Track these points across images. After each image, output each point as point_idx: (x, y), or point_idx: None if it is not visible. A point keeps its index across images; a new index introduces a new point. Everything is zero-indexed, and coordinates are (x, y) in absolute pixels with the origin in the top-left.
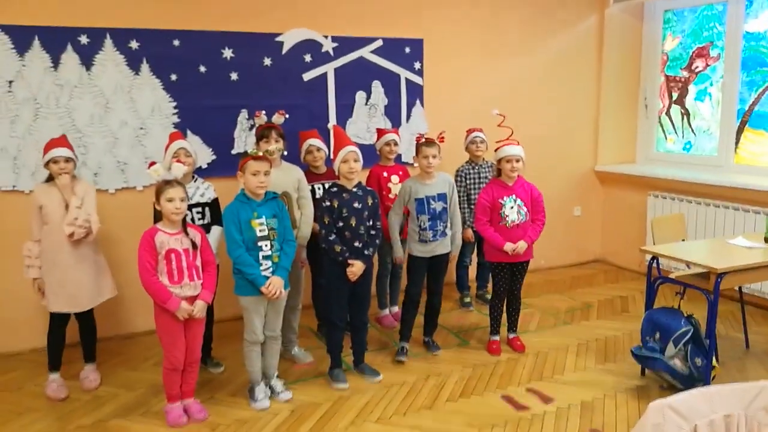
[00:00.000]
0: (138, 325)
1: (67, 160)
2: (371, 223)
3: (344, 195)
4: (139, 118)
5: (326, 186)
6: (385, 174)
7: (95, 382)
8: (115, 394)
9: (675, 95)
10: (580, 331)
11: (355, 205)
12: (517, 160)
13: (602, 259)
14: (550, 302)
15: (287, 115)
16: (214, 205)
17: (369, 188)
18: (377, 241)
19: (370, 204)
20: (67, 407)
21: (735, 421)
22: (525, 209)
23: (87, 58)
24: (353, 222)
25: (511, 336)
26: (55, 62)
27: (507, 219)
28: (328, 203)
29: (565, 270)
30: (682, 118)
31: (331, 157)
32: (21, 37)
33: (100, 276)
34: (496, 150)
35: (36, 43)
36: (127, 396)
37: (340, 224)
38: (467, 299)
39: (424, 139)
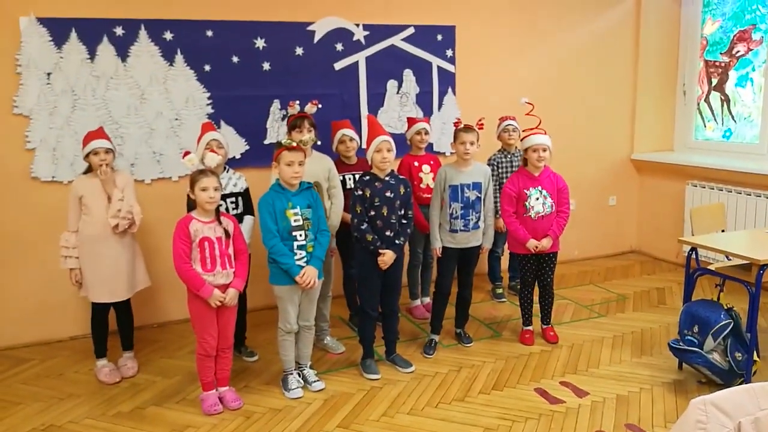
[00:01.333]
0: (173, 313)
1: (107, 151)
2: (403, 212)
3: (376, 184)
4: (174, 109)
5: (357, 176)
6: (416, 164)
7: (133, 369)
8: (152, 381)
9: (714, 81)
10: (615, 323)
11: (387, 194)
12: (544, 150)
13: (638, 249)
14: (584, 294)
15: (320, 105)
16: (245, 195)
17: (402, 177)
18: (408, 231)
19: (402, 193)
20: (106, 394)
21: None
22: (551, 201)
23: (122, 50)
24: (385, 211)
25: (544, 327)
26: (92, 54)
27: (532, 210)
28: (360, 192)
29: (599, 261)
30: (722, 105)
31: (364, 146)
32: (59, 30)
33: (137, 266)
34: (522, 139)
35: (73, 35)
36: (164, 383)
37: (372, 213)
38: (499, 290)
39: (462, 125)
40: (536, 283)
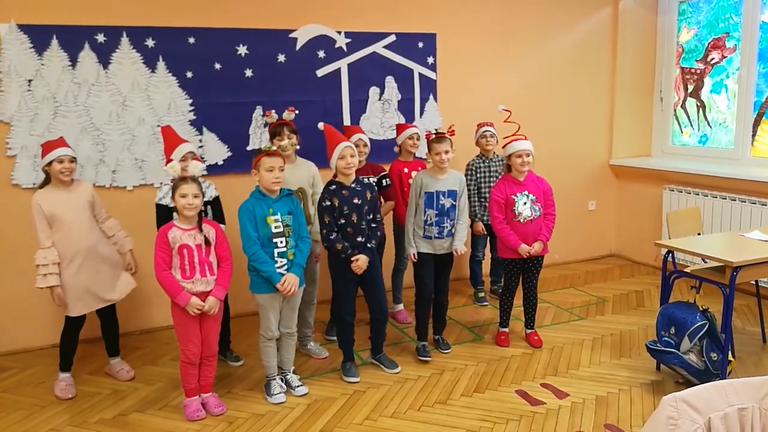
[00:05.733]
0: (156, 320)
1: (72, 159)
2: (371, 216)
3: (343, 192)
4: (156, 116)
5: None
6: (406, 170)
7: (131, 373)
8: (135, 388)
9: (690, 87)
10: (594, 325)
11: (355, 200)
12: (527, 155)
13: (617, 253)
14: (564, 297)
15: (297, 111)
16: (215, 203)
17: (367, 182)
18: (378, 233)
19: (369, 198)
20: (89, 401)
21: (749, 415)
22: (538, 205)
23: (104, 57)
24: (354, 218)
25: (528, 331)
26: (73, 61)
27: (520, 215)
28: (328, 203)
29: (579, 265)
30: (698, 111)
31: (327, 155)
32: (40, 37)
33: (118, 271)
34: (504, 146)
35: (54, 42)
36: (147, 390)
37: (342, 221)
38: (481, 294)
39: (434, 135)
40: (520, 287)
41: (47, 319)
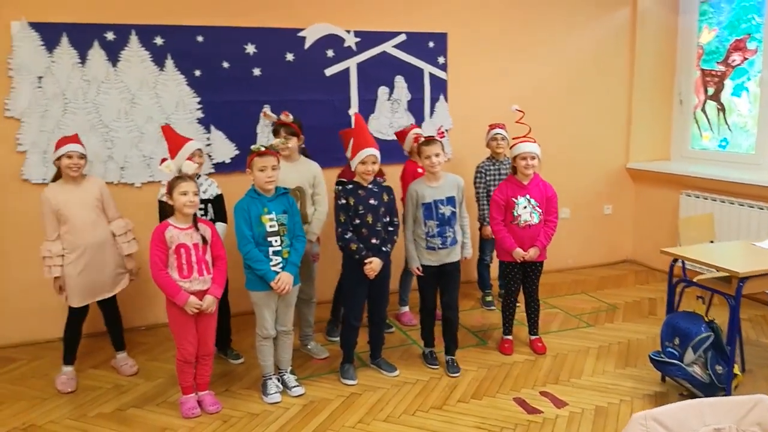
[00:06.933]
0: (162, 316)
1: (81, 156)
2: (388, 219)
3: (360, 192)
4: (164, 114)
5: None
6: (420, 170)
7: (135, 368)
8: (135, 383)
9: (711, 90)
10: (602, 333)
11: (371, 201)
12: (532, 158)
13: (633, 259)
14: (574, 303)
15: (291, 116)
16: (217, 201)
17: (385, 185)
18: (395, 238)
19: (386, 200)
20: (89, 395)
21: None
22: (539, 210)
23: (113, 55)
24: (370, 219)
25: (532, 338)
26: (83, 58)
27: (519, 219)
28: (343, 201)
29: (593, 270)
30: (718, 114)
31: (349, 155)
32: (50, 35)
33: (120, 270)
34: (511, 147)
35: (64, 39)
36: (146, 386)
37: (357, 221)
38: (489, 298)
39: (423, 138)
40: (522, 293)
41: (57, 312)
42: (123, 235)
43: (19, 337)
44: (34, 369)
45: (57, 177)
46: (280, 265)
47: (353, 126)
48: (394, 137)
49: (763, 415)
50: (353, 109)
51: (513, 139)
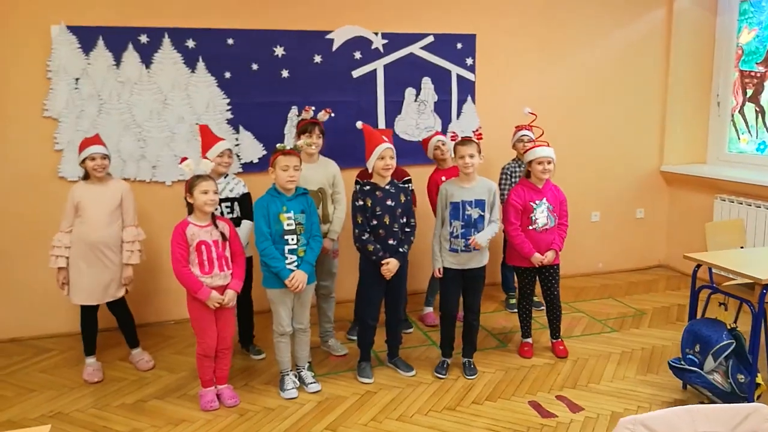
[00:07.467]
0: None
1: (104, 156)
2: (405, 220)
3: (377, 193)
4: (195, 114)
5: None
6: (444, 178)
7: (150, 363)
8: (159, 376)
9: (750, 92)
10: (626, 338)
11: (388, 202)
12: (549, 162)
13: (666, 264)
14: (600, 307)
15: (332, 114)
16: (243, 200)
17: (402, 185)
18: (412, 239)
19: (402, 201)
20: (115, 386)
21: None
22: (554, 214)
23: (146, 57)
24: (387, 220)
25: (554, 341)
26: (118, 60)
27: (537, 223)
28: (360, 202)
29: (624, 275)
30: (757, 117)
31: (366, 154)
32: (87, 38)
33: (118, 271)
34: (525, 152)
35: (100, 42)
36: (169, 378)
37: (374, 222)
38: (513, 300)
39: (459, 138)
40: (543, 299)
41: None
42: (130, 243)
43: (56, 328)
44: (65, 359)
45: (87, 176)
46: (295, 264)
47: (364, 136)
48: (420, 138)
49: (759, 425)
50: (380, 111)
51: (528, 142)
